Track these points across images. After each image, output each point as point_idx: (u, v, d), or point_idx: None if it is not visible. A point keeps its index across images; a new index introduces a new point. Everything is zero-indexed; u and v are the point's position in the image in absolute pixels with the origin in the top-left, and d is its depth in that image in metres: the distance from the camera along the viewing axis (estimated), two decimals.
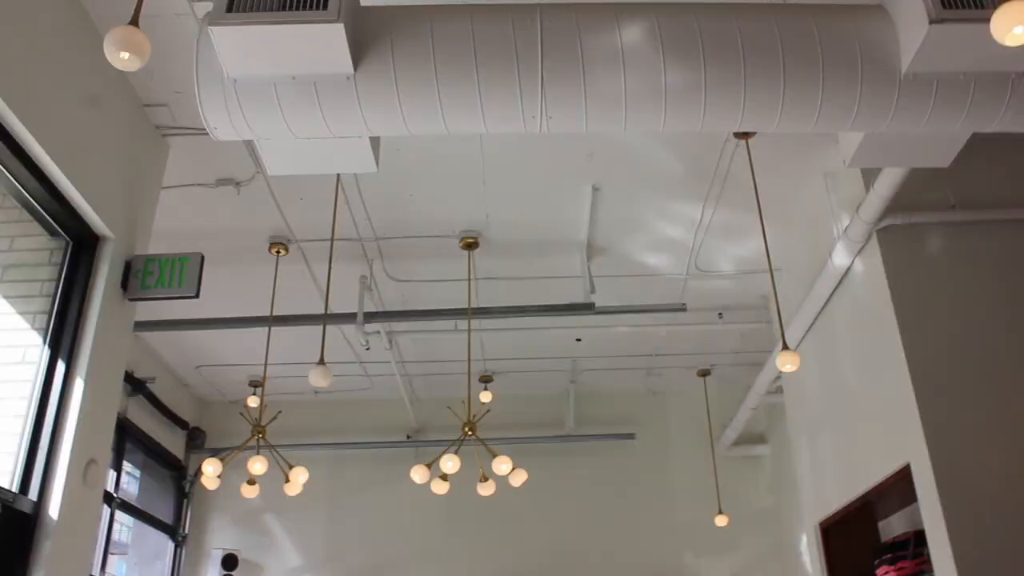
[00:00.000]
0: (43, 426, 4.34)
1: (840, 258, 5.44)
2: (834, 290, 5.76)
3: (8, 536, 4.10)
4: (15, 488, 4.16)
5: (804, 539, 7.70)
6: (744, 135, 5.20)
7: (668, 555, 8.84)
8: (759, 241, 5.98)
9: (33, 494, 4.20)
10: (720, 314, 7.62)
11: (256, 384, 8.44)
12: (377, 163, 4.07)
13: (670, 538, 8.92)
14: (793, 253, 6.44)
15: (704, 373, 8.95)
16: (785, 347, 4.75)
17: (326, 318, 5.70)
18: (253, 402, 7.77)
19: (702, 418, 9.02)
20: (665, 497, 9.12)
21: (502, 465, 6.01)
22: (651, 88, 3.58)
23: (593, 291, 6.49)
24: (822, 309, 5.99)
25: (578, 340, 8.09)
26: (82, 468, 4.41)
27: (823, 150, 5.48)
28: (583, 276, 6.59)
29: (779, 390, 7.44)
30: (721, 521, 8.25)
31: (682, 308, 6.89)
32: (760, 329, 7.66)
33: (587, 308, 6.48)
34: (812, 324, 6.18)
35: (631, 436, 9.13)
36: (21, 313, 4.69)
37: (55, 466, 4.28)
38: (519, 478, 6.17)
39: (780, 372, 6.73)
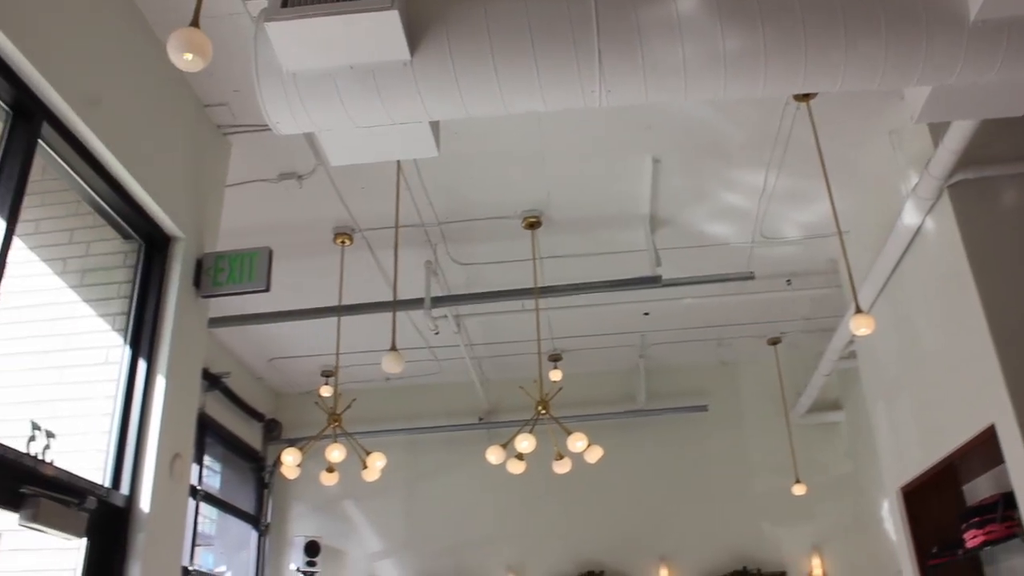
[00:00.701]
0: (129, 423, 4.47)
1: (910, 217, 5.32)
2: (905, 250, 5.62)
3: (105, 529, 4.24)
4: (108, 483, 4.30)
5: (886, 505, 7.58)
6: (804, 97, 5.10)
7: (746, 526, 8.78)
8: (825, 205, 5.88)
9: (125, 488, 4.33)
10: (788, 281, 7.52)
11: (328, 374, 8.57)
12: (438, 146, 4.09)
13: (747, 509, 8.85)
14: (861, 215, 6.31)
15: (775, 341, 8.84)
16: (858, 310, 4.66)
17: (395, 305, 5.76)
18: (326, 392, 7.89)
19: (774, 387, 8.91)
20: (740, 468, 9.05)
21: (577, 442, 6.02)
22: (710, 55, 3.53)
23: (659, 264, 6.44)
24: (894, 270, 5.87)
25: (646, 314, 8.04)
26: (168, 462, 4.54)
27: (887, 107, 5.35)
28: (648, 249, 6.54)
29: (852, 355, 7.31)
30: (799, 490, 8.17)
31: (750, 276, 6.80)
32: (830, 294, 7.54)
33: (653, 281, 6.44)
34: (884, 286, 6.06)
35: (703, 408, 9.06)
36: (101, 315, 4.82)
37: (143, 461, 4.41)
38: (595, 455, 6.17)
39: (853, 336, 6.61)
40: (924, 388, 5.65)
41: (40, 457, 3.98)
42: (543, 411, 5.99)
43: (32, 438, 4.01)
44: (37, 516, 3.81)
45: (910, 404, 5.93)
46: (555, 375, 8.18)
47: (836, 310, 7.64)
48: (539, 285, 6.57)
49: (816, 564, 8.54)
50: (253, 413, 8.86)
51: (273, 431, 9.21)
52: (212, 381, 7.78)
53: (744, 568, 8.48)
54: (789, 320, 8.44)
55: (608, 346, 8.77)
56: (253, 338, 8.13)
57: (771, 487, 8.82)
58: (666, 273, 6.54)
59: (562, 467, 6.41)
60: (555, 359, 8.64)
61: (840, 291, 7.36)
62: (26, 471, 3.85)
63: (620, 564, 8.73)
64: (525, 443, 5.90)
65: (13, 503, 3.80)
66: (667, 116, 5.41)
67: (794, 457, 8.49)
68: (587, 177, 6.06)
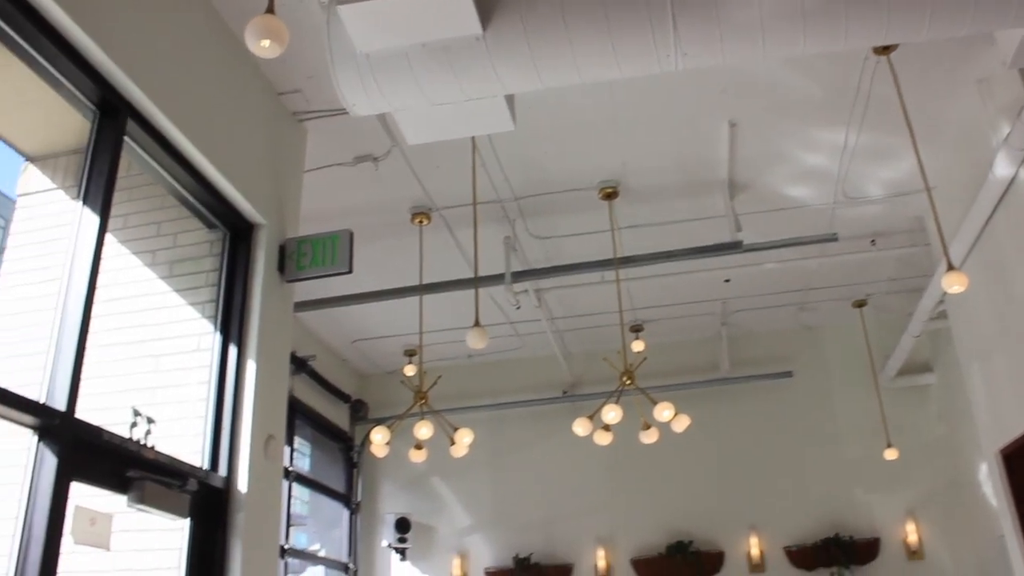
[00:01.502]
0: (224, 407, 4.59)
1: (1002, 169, 5.13)
2: (998, 204, 5.43)
3: (206, 509, 4.38)
4: (206, 466, 4.43)
5: (983, 468, 7.38)
6: (885, 49, 4.92)
7: (836, 493, 8.64)
8: (910, 161, 5.70)
9: (223, 470, 4.46)
10: (873, 241, 7.33)
11: (411, 353, 8.67)
12: (514, 120, 4.08)
13: (837, 475, 8.71)
14: (948, 170, 6.10)
15: (860, 304, 8.64)
16: (950, 267, 4.51)
17: (477, 281, 5.78)
18: (410, 370, 7.98)
19: (861, 350, 8.73)
20: (829, 434, 8.90)
21: (664, 411, 5.99)
22: (788, 9, 3.44)
23: (739, 229, 6.35)
24: (985, 225, 5.67)
25: (726, 281, 7.94)
26: (262, 444, 4.65)
27: (975, 55, 5.15)
28: (727, 215, 6.44)
29: (943, 315, 7.11)
30: (891, 454, 8.01)
31: (833, 238, 6.65)
32: (917, 253, 7.33)
33: (734, 247, 6.34)
34: (976, 242, 5.87)
35: (788, 374, 8.91)
36: (191, 304, 4.95)
37: (238, 443, 4.53)
38: (682, 424, 6.13)
39: (945, 295, 6.42)
40: (1022, 346, 5.46)
41: (142, 442, 4.12)
42: (628, 382, 5.97)
43: (134, 424, 4.16)
44: (143, 498, 3.95)
45: (1007, 363, 5.75)
46: (637, 346, 8.14)
47: (923, 269, 7.44)
48: (618, 256, 6.52)
49: (911, 530, 8.37)
50: (339, 394, 9.03)
51: (359, 411, 9.37)
52: (299, 364, 7.93)
53: (836, 535, 8.36)
54: (874, 281, 8.24)
55: (689, 315, 8.69)
56: (336, 321, 8.26)
57: (861, 452, 8.66)
58: (746, 238, 6.44)
59: (649, 437, 6.39)
60: (637, 330, 8.58)
61: (927, 250, 7.15)
62: (131, 455, 3.99)
63: (709, 534, 8.68)
64: (612, 414, 5.89)
65: (121, 486, 3.95)
66: (742, 78, 5.30)
67: (884, 421, 8.31)
68: (663, 145, 5.99)
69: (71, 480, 3.63)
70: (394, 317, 8.09)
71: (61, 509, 3.55)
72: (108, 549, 4.06)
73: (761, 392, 9.01)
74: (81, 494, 3.81)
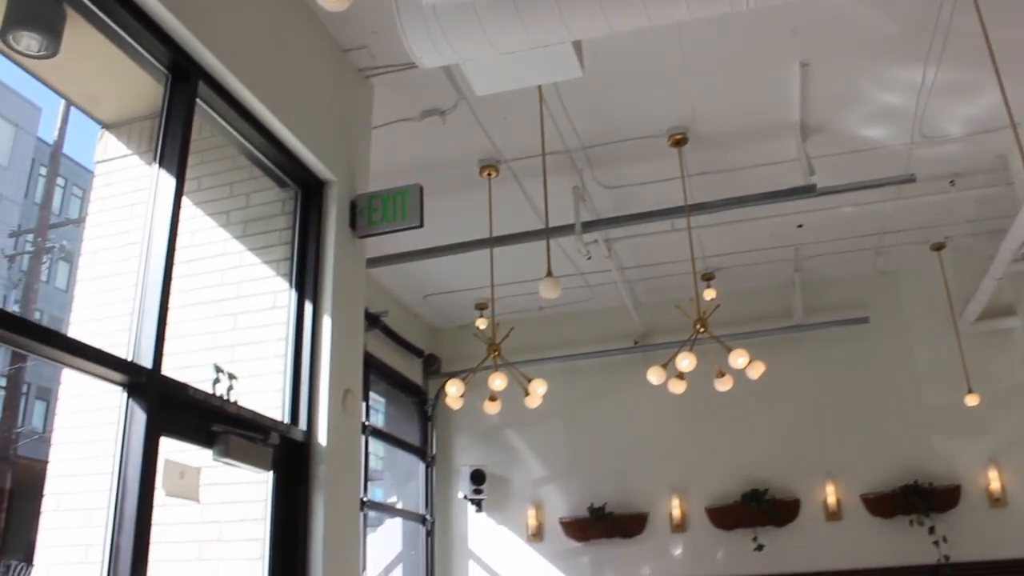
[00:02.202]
0: (301, 363, 4.69)
1: None
2: None
3: (288, 463, 4.49)
4: (287, 420, 4.54)
5: None
6: None
7: (915, 440, 8.48)
8: (993, 97, 5.49)
9: (303, 424, 4.57)
10: (952, 181, 7.11)
11: (482, 307, 8.72)
12: (582, 67, 4.03)
13: (916, 422, 8.55)
14: None
15: (938, 247, 8.40)
16: None
17: (548, 232, 5.77)
18: (482, 324, 8.03)
19: (940, 294, 8.50)
20: (907, 380, 8.72)
21: (739, 358, 5.93)
22: None
23: (812, 173, 6.20)
24: None
25: (799, 226, 7.79)
26: (340, 398, 4.74)
27: None
28: (800, 159, 6.30)
29: None
30: (971, 400, 7.83)
31: (910, 179, 6.45)
32: (999, 193, 7.10)
33: (808, 191, 6.21)
34: None
35: (864, 320, 8.74)
36: (266, 262, 5.04)
37: (317, 398, 4.63)
38: (757, 370, 6.07)
39: None
40: None
41: (225, 398, 4.24)
42: (701, 329, 5.92)
43: (216, 380, 4.27)
44: (228, 451, 4.07)
45: None
46: (709, 294, 8.06)
47: (1006, 209, 7.19)
48: (688, 203, 6.44)
49: (993, 477, 8.20)
50: (412, 349, 9.14)
51: (432, 366, 9.47)
52: (371, 320, 8.04)
53: (915, 482, 8.22)
54: (953, 223, 8.00)
55: (761, 262, 8.57)
56: (408, 276, 8.33)
57: (941, 398, 8.48)
58: (820, 182, 6.29)
59: (724, 385, 6.34)
60: (708, 278, 8.49)
61: (1010, 189, 6.91)
62: (215, 411, 4.10)
63: (785, 481, 8.63)
64: (686, 362, 5.86)
65: (206, 440, 4.07)
66: (813, 16, 5.14)
67: (965, 367, 8.12)
68: (733, 89, 5.87)
69: (160, 435, 3.75)
70: (465, 271, 8.14)
71: (152, 463, 3.67)
72: (198, 501, 4.19)
73: (836, 339, 8.86)
74: (170, 449, 3.95)
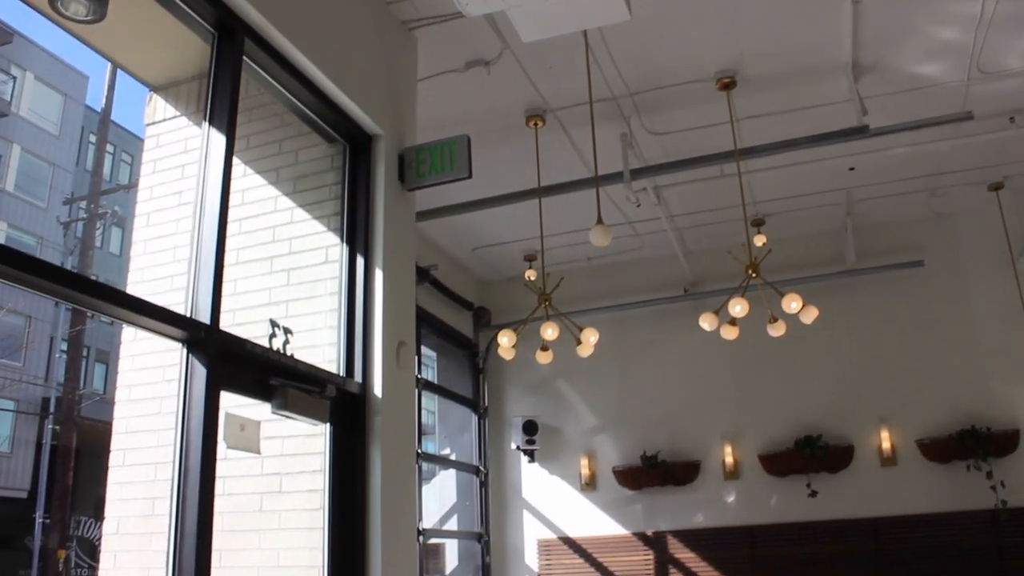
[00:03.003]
0: (355, 316, 4.74)
1: None
2: None
3: (344, 415, 4.56)
4: (342, 373, 4.60)
5: None
6: None
7: (972, 384, 8.35)
8: None
9: (358, 377, 4.63)
10: (1012, 118, 6.89)
11: (531, 258, 8.71)
12: (629, 10, 3.97)
13: (973, 366, 8.41)
14: None
15: (996, 187, 8.19)
16: None
17: (597, 180, 5.73)
18: (531, 275, 8.03)
19: (998, 236, 8.30)
20: (963, 323, 8.57)
21: (792, 303, 5.87)
22: None
23: (865, 113, 6.07)
24: None
25: (851, 169, 7.64)
26: (394, 350, 4.79)
27: None
28: (852, 99, 6.16)
29: None
30: None
31: (967, 117, 6.28)
32: None
33: (860, 132, 6.08)
34: None
35: (919, 264, 8.58)
36: (317, 218, 5.08)
37: (371, 350, 4.69)
38: (810, 315, 6.00)
39: None
40: None
41: (281, 352, 4.30)
42: (753, 275, 5.87)
43: (273, 335, 4.34)
44: (286, 404, 4.14)
45: None
46: (759, 240, 7.96)
47: None
48: (738, 148, 6.34)
49: None
50: (462, 302, 9.18)
51: (482, 318, 9.52)
52: (421, 274, 8.06)
53: (972, 427, 8.11)
54: (1012, 162, 7.78)
55: (812, 206, 8.43)
56: (456, 229, 8.34)
57: (998, 342, 8.33)
58: (873, 122, 6.16)
59: (776, 330, 6.29)
60: (758, 224, 8.38)
61: None
62: (272, 364, 4.17)
63: (838, 428, 8.57)
64: (738, 307, 5.82)
65: (265, 394, 4.15)
66: None
67: None
68: (781, 28, 5.74)
69: (220, 389, 3.82)
70: (513, 223, 8.13)
71: (213, 416, 3.75)
72: (258, 453, 4.28)
73: (890, 283, 8.73)
74: (229, 404, 4.03)
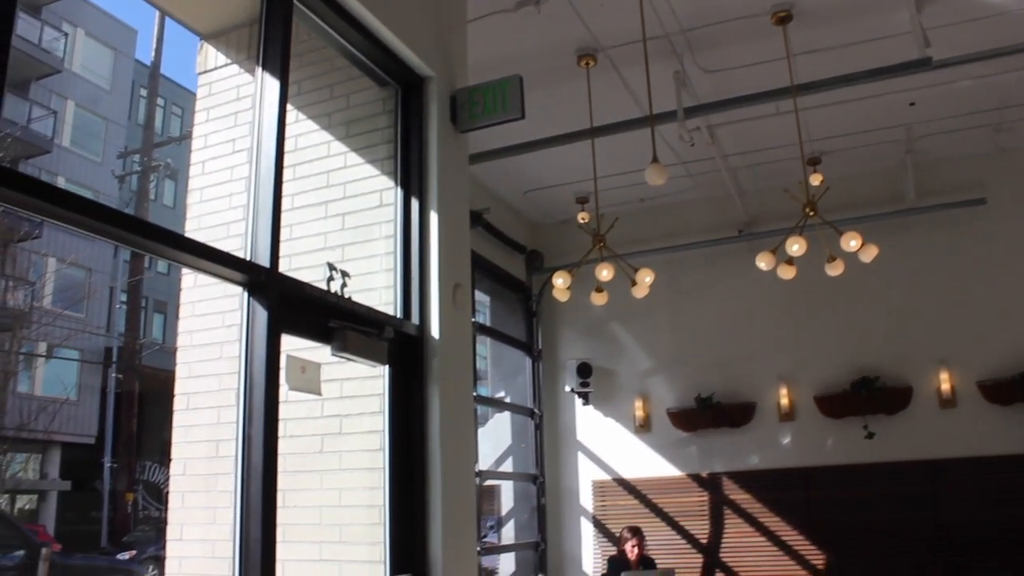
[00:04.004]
0: (411, 259, 4.77)
1: None
2: None
3: (403, 357, 4.61)
4: (400, 315, 4.64)
5: None
6: None
7: None
8: None
9: (415, 319, 4.67)
10: None
11: (583, 200, 8.65)
12: None
13: None
14: None
15: None
16: None
17: (652, 119, 5.65)
18: (583, 218, 7.98)
19: None
20: None
21: (851, 241, 5.77)
22: None
23: (927, 45, 5.88)
24: None
25: (912, 104, 7.44)
26: (450, 292, 4.81)
27: None
28: (913, 31, 5.97)
29: None
30: None
31: None
32: None
33: (922, 65, 5.90)
34: None
35: (981, 201, 8.34)
36: (371, 162, 5.09)
37: (428, 293, 4.72)
38: (869, 253, 5.91)
39: None
40: None
41: (340, 294, 4.35)
42: (811, 213, 5.77)
43: (330, 278, 4.38)
44: (346, 346, 4.19)
45: None
46: (815, 179, 7.81)
47: None
48: (795, 83, 6.20)
49: None
50: (515, 246, 9.18)
51: (535, 262, 9.52)
52: (473, 218, 8.00)
53: None
54: None
55: (871, 143, 8.23)
56: (508, 173, 8.31)
57: None
58: (936, 54, 5.96)
59: (834, 269, 6.20)
60: (814, 162, 8.21)
61: None
62: (331, 307, 4.22)
63: (896, 369, 8.46)
64: (796, 246, 5.74)
65: (324, 336, 4.21)
66: None
67: None
68: None
69: (281, 331, 3.88)
70: (565, 165, 8.07)
71: (275, 359, 3.81)
72: (319, 394, 4.35)
73: (950, 221, 8.51)
74: (290, 348, 4.09)
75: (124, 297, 21.43)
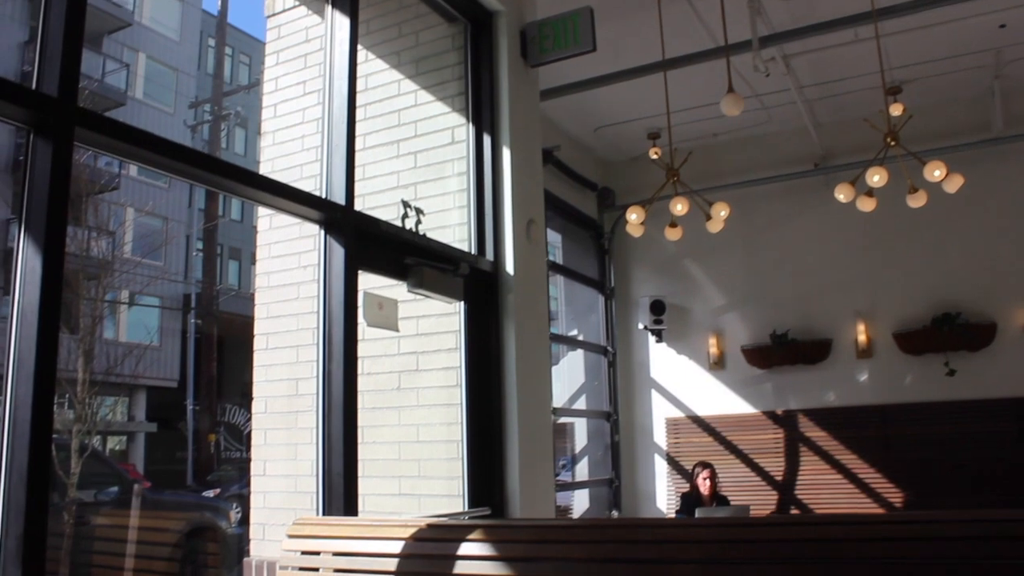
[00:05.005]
0: (484, 195, 4.76)
1: None
2: None
3: (478, 293, 4.63)
4: (474, 251, 4.65)
5: None
6: None
7: None
8: None
9: (489, 255, 4.67)
10: None
11: (654, 136, 8.50)
12: None
13: None
14: None
15: None
16: None
17: (728, 48, 5.50)
18: (655, 153, 7.86)
19: None
20: None
21: (935, 171, 5.57)
22: None
23: None
24: None
25: (1001, 27, 7.10)
26: (524, 227, 4.80)
27: None
28: None
29: None
30: None
31: None
32: None
33: None
34: None
35: None
36: (441, 99, 5.07)
37: (502, 228, 4.72)
38: (954, 184, 5.70)
39: None
40: None
41: (414, 231, 4.36)
42: (892, 143, 5.58)
43: (405, 216, 4.40)
44: (422, 283, 4.22)
45: None
46: (896, 108, 7.54)
47: None
48: (875, 7, 5.95)
49: None
50: (586, 183, 9.09)
51: (607, 199, 9.43)
52: (544, 155, 7.98)
53: None
54: None
55: (956, 70, 7.89)
56: (578, 109, 8.19)
57: None
58: None
59: (916, 201, 6.00)
60: (895, 92, 7.90)
61: None
62: (406, 244, 4.24)
63: (979, 305, 8.20)
64: (876, 177, 5.56)
65: (400, 273, 4.24)
66: None
67: None
68: None
69: (358, 269, 3.92)
70: (636, 100, 7.91)
71: (353, 296, 3.86)
72: (397, 330, 4.41)
73: None
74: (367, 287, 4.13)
75: (200, 245, 21.90)
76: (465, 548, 3.00)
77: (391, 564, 3.10)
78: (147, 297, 20.08)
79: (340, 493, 3.75)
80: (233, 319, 19.38)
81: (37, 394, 2.61)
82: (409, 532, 3.14)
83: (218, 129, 22.18)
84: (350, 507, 3.75)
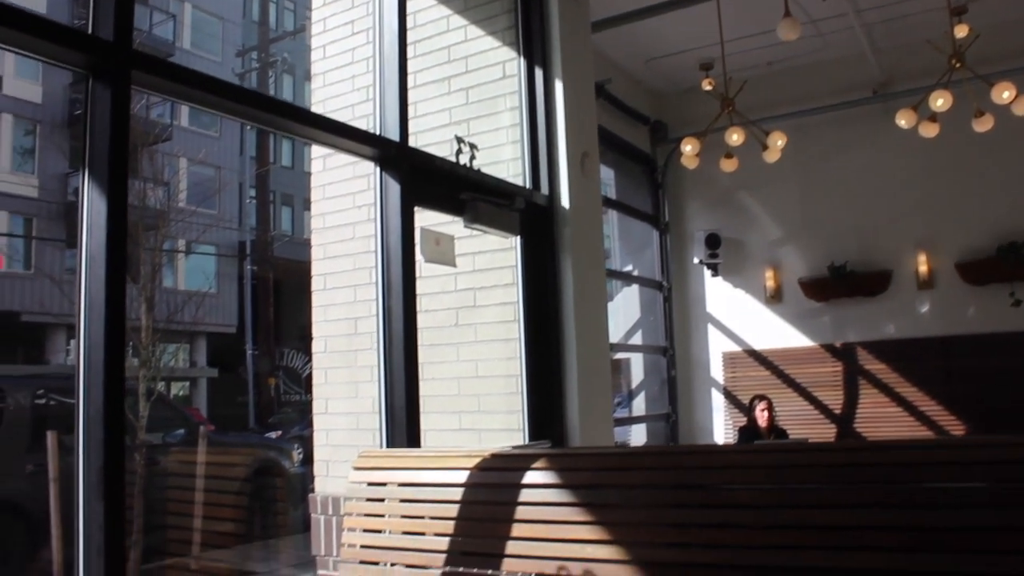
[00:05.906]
0: (537, 129, 4.73)
1: None
2: None
3: (533, 227, 4.62)
4: (529, 185, 4.63)
5: None
6: None
7: None
8: None
9: (544, 189, 4.65)
10: None
11: (707, 67, 8.31)
12: None
13: None
14: None
15: None
16: None
17: None
18: (709, 84, 7.71)
19: None
20: None
21: (1004, 92, 5.38)
22: None
23: None
24: None
25: None
26: (578, 161, 4.77)
27: None
28: None
29: None
30: None
31: None
32: None
33: None
34: None
35: None
36: (491, 33, 5.01)
37: (556, 162, 4.69)
38: None
39: None
40: None
41: (469, 167, 4.35)
42: (957, 65, 5.40)
43: (459, 151, 4.39)
44: (477, 217, 4.22)
45: None
46: (960, 31, 7.27)
47: None
48: None
49: None
50: (638, 116, 8.96)
51: (659, 132, 9.29)
52: (596, 89, 7.87)
53: None
54: None
55: None
56: (629, 41, 8.04)
57: None
58: None
59: (982, 125, 5.82)
60: (959, 12, 7.57)
61: None
62: (461, 179, 4.24)
63: None
64: (940, 100, 5.40)
65: (456, 208, 4.24)
66: None
67: None
68: None
69: (414, 204, 3.93)
70: (688, 30, 7.73)
71: (409, 231, 3.88)
72: (454, 265, 4.42)
73: None
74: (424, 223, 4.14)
75: (252, 192, 22.13)
76: (530, 477, 3.03)
77: (456, 493, 3.15)
78: (203, 245, 20.41)
79: (403, 427, 3.81)
80: (288, 265, 19.63)
81: (108, 334, 2.67)
82: (473, 462, 3.18)
83: (266, 76, 22.25)
84: (413, 441, 3.81)
